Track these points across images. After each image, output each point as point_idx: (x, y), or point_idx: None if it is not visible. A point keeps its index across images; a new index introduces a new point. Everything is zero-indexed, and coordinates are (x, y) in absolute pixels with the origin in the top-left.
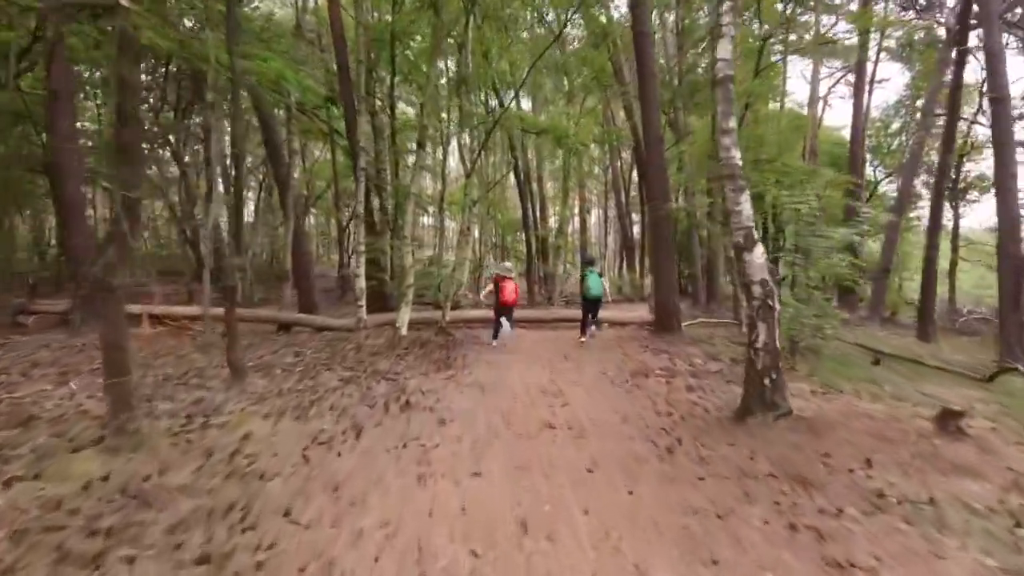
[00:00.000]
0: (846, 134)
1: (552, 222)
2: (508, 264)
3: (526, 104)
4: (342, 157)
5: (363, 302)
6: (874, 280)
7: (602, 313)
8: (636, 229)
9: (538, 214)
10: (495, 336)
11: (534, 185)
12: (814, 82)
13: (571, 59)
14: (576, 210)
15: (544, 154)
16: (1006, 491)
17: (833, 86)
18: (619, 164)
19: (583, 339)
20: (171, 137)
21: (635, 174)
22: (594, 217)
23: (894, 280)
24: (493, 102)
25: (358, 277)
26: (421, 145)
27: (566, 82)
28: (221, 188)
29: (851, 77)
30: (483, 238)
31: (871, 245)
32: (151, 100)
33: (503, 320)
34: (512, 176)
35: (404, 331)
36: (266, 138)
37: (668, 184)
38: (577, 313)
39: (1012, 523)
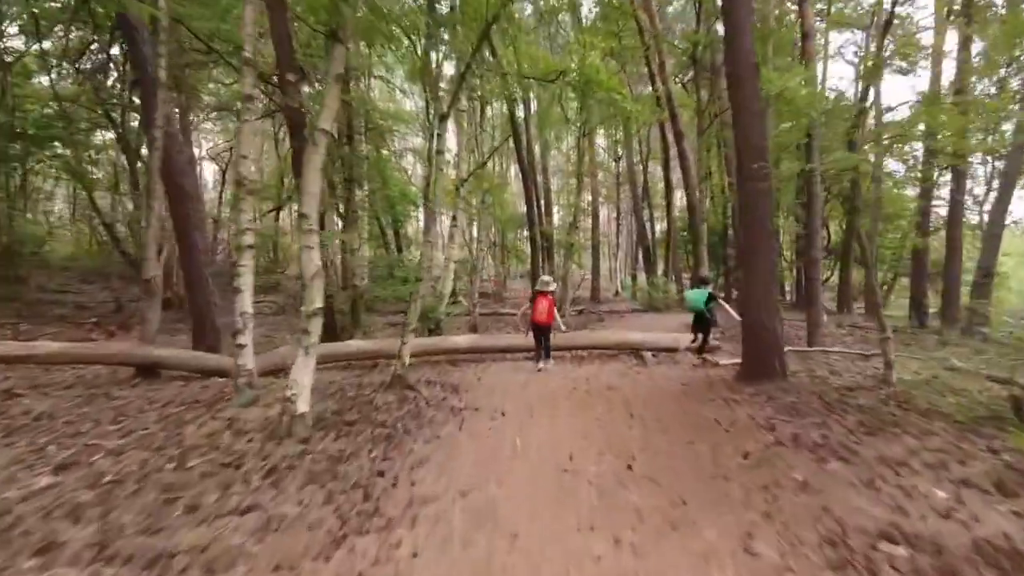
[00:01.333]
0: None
1: (556, 219)
2: (547, 278)
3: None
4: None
5: (247, 339)
6: (975, 287)
7: (639, 336)
8: (654, 227)
9: (543, 209)
10: (535, 359)
11: (539, 177)
12: (878, 49)
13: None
14: (587, 202)
15: (548, 132)
16: None
17: (889, 57)
18: (632, 151)
19: (703, 356)
20: (114, 115)
21: (650, 163)
22: (603, 213)
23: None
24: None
25: (241, 292)
26: (336, 38)
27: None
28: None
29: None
30: (480, 235)
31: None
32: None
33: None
34: (512, 172)
35: (303, 407)
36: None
37: (767, 140)
38: (611, 336)
39: None
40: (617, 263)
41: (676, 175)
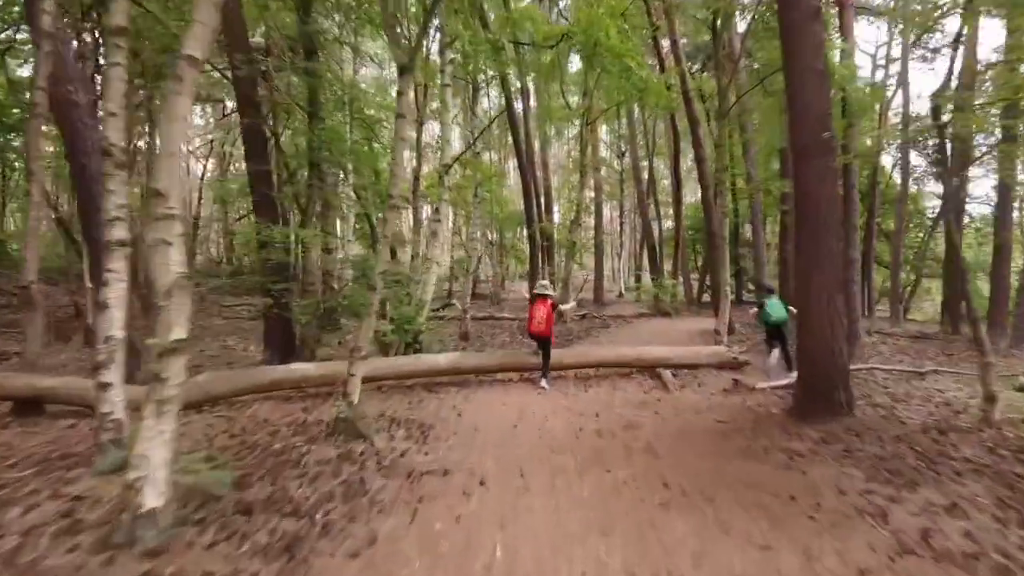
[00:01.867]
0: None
1: (557, 216)
2: (544, 282)
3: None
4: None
5: (113, 375)
6: (1022, 292)
7: (657, 350)
8: (660, 225)
9: (542, 206)
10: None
11: (538, 172)
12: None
13: None
14: (590, 199)
15: (548, 126)
16: None
17: (915, 40)
18: (636, 146)
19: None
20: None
21: (655, 159)
22: (606, 212)
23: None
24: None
25: (108, 308)
26: None
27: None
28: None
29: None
30: (474, 232)
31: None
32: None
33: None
34: (511, 166)
35: (153, 499)
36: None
37: (831, 107)
38: (626, 352)
39: None
40: (621, 263)
41: (682, 171)
